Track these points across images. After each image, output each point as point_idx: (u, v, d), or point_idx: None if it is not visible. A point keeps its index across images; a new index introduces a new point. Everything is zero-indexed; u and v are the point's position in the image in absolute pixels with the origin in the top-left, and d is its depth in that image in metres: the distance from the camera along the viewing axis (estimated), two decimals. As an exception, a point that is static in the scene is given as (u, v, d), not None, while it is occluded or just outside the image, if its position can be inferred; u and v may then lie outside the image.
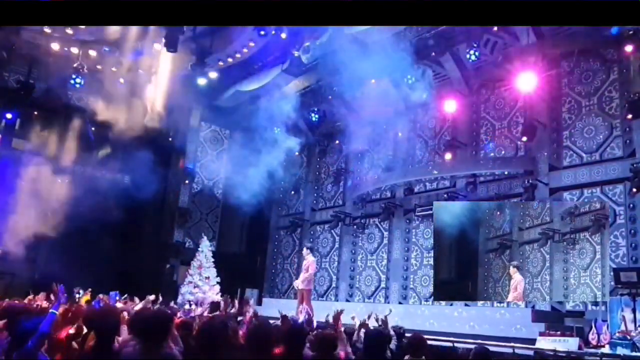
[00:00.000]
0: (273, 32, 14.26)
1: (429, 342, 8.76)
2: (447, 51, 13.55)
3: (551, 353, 8.24)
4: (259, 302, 17.37)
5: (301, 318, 8.30)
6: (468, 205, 11.96)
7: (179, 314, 8.22)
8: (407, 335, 6.60)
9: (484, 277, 11.40)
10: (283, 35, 14.51)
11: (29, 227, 15.03)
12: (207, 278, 16.50)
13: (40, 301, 9.65)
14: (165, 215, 18.87)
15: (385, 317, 6.87)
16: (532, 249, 11.75)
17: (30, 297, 10.44)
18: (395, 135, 16.50)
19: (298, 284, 11.61)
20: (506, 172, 13.43)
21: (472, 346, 5.38)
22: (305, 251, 12.36)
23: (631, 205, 11.35)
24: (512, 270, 10.46)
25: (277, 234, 20.33)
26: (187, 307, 11.91)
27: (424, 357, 4.81)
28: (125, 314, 5.29)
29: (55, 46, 15.35)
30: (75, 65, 15.50)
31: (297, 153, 17.57)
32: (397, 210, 15.94)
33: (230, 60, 16.24)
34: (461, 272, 11.60)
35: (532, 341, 9.07)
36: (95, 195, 16.58)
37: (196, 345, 4.32)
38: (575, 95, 12.92)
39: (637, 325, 8.71)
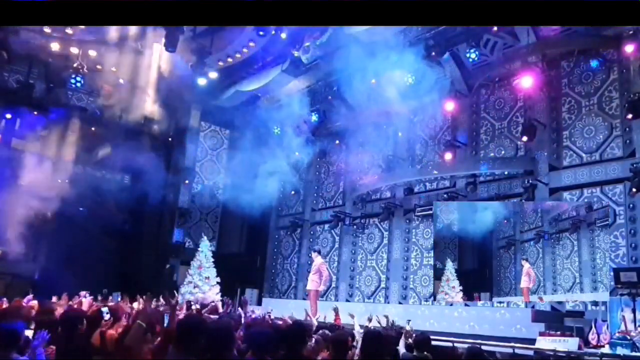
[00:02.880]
0: (273, 32, 14.27)
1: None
2: (447, 51, 13.53)
3: (551, 353, 8.23)
4: (259, 302, 17.38)
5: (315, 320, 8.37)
6: (485, 209, 13.50)
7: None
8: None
9: (497, 267, 13.60)
10: (283, 36, 14.52)
11: (29, 228, 15.04)
12: (207, 278, 16.50)
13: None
14: (165, 216, 18.86)
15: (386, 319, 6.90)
16: (530, 246, 13.29)
17: (30, 296, 10.40)
18: (395, 135, 16.50)
19: (315, 286, 11.84)
20: (506, 172, 13.45)
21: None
22: (313, 254, 12.49)
23: (631, 205, 11.36)
24: (523, 262, 12.71)
25: (277, 234, 20.33)
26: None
27: (429, 355, 4.83)
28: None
29: (55, 46, 15.35)
30: (75, 65, 15.50)
31: (296, 153, 17.56)
32: (397, 210, 15.95)
33: (230, 60, 16.24)
34: (482, 262, 13.99)
35: (532, 341, 9.05)
36: (95, 196, 16.61)
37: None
38: (575, 95, 12.93)
39: (637, 325, 8.70)
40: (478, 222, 13.26)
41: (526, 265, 12.60)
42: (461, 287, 13.65)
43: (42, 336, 3.91)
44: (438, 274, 13.98)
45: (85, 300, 10.42)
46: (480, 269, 14.18)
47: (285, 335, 4.39)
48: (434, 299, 13.96)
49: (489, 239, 13.62)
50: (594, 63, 12.42)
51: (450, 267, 13.94)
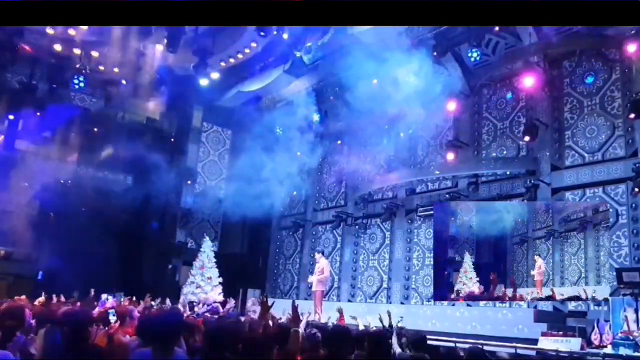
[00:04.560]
0: (275, 32, 14.26)
1: (430, 342, 8.78)
2: (448, 51, 13.52)
3: (553, 353, 8.22)
4: (260, 302, 17.36)
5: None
6: (501, 210, 13.86)
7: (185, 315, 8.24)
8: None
9: (511, 260, 14.23)
10: (285, 36, 14.51)
11: (31, 228, 15.07)
12: (209, 278, 16.49)
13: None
14: (167, 216, 18.88)
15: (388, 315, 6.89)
16: (541, 243, 13.72)
17: (41, 299, 10.39)
18: (397, 136, 16.48)
19: (313, 281, 11.89)
20: (508, 172, 13.43)
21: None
22: (317, 255, 12.54)
23: (633, 205, 11.33)
24: (536, 257, 13.37)
25: (279, 234, 20.33)
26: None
27: (427, 355, 4.81)
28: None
29: (57, 47, 15.38)
30: (77, 65, 15.53)
31: (298, 153, 17.56)
32: (398, 210, 15.93)
33: (232, 60, 16.26)
34: (497, 257, 14.59)
35: (535, 341, 9.04)
36: (98, 196, 16.65)
37: (204, 345, 4.31)
38: (577, 95, 12.90)
39: (639, 325, 8.68)
40: (495, 220, 13.73)
41: (539, 260, 13.14)
42: (478, 279, 14.18)
43: (18, 340, 3.88)
44: (456, 267, 14.48)
45: (109, 303, 10.39)
46: (495, 262, 14.83)
47: (328, 337, 4.40)
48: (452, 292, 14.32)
49: (504, 236, 14.27)
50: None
51: (468, 260, 14.50)
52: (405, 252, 15.71)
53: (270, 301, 5.01)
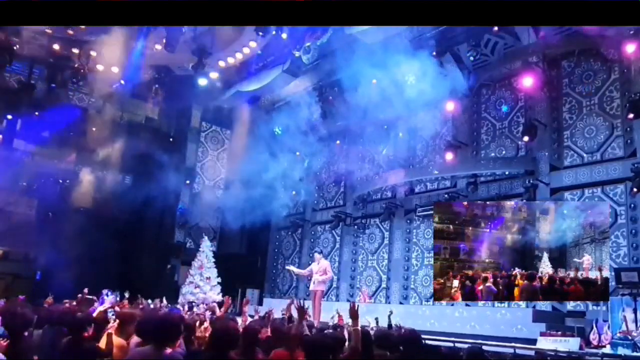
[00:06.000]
0: (274, 32, 14.25)
1: (429, 342, 8.79)
2: (447, 51, 13.51)
3: (552, 353, 8.22)
4: (260, 302, 17.35)
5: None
6: None
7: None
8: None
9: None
10: (284, 36, 14.49)
11: (30, 228, 15.04)
12: (208, 278, 16.50)
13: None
14: (166, 216, 18.86)
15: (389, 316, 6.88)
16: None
17: (49, 299, 10.35)
18: (396, 136, 16.48)
19: (315, 280, 11.75)
20: (507, 173, 13.43)
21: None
22: (317, 256, 12.46)
23: (632, 205, 11.35)
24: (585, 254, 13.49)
25: (277, 234, 20.31)
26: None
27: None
28: None
29: (56, 46, 15.34)
30: (76, 65, 15.50)
31: (297, 153, 17.55)
32: (397, 210, 15.93)
33: (231, 60, 16.23)
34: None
35: (533, 341, 9.05)
36: (96, 196, 16.62)
37: (207, 345, 4.32)
38: (576, 95, 12.91)
39: (638, 326, 8.69)
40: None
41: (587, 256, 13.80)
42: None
43: None
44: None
45: (108, 299, 10.30)
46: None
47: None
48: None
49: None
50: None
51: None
52: (404, 252, 15.71)
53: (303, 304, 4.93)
